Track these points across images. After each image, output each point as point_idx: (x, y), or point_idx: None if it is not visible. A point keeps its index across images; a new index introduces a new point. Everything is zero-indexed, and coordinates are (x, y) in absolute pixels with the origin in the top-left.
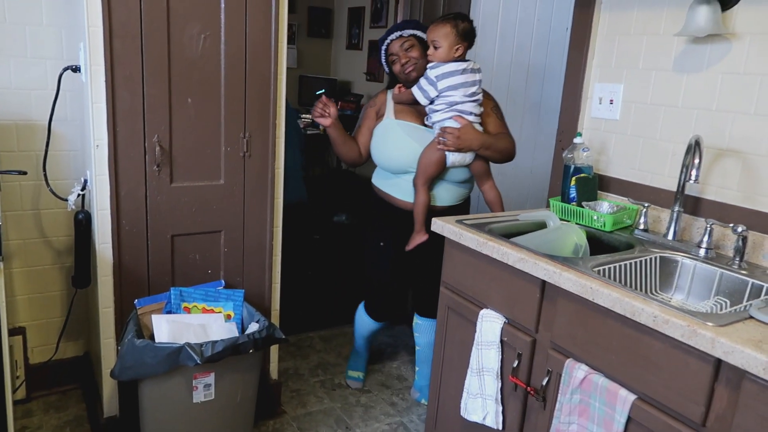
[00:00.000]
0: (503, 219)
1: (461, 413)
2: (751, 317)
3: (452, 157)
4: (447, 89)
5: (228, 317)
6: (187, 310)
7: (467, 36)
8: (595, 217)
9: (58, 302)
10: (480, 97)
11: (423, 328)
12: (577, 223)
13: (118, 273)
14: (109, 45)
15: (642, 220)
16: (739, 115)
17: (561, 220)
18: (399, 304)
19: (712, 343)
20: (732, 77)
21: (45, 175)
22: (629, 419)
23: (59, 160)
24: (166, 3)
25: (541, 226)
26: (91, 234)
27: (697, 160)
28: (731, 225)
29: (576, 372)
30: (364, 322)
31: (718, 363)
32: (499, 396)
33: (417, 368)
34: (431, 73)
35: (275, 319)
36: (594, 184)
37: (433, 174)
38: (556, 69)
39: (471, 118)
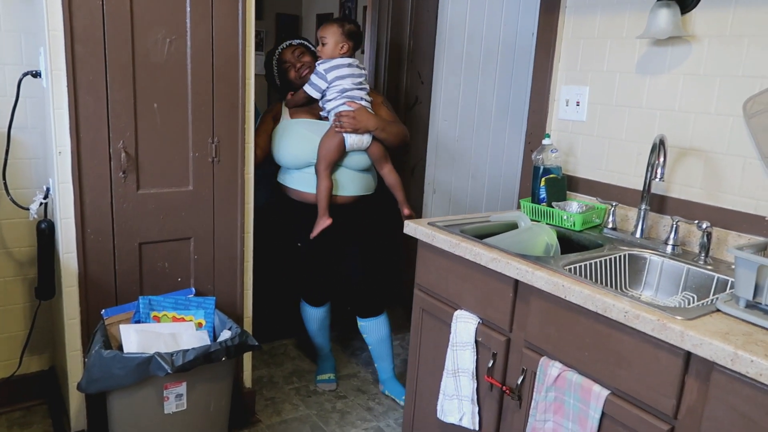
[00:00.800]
0: (475, 220)
1: (438, 415)
2: (718, 310)
3: (350, 140)
4: (336, 79)
5: (199, 325)
6: (157, 320)
7: (352, 36)
8: (564, 217)
9: (20, 315)
10: (367, 86)
11: (369, 329)
12: (547, 223)
13: (84, 283)
14: (70, 49)
15: (610, 219)
16: (700, 114)
17: (532, 220)
18: (333, 288)
19: (682, 336)
20: (692, 78)
21: (5, 184)
22: (603, 414)
23: (20, 169)
24: (129, 7)
25: (513, 226)
26: (54, 244)
27: (661, 159)
28: (696, 222)
29: (550, 370)
30: (308, 314)
31: (688, 356)
32: (475, 396)
33: (376, 365)
34: (320, 67)
35: (248, 326)
36: (563, 185)
37: (334, 159)
38: (523, 73)
39: (363, 103)
